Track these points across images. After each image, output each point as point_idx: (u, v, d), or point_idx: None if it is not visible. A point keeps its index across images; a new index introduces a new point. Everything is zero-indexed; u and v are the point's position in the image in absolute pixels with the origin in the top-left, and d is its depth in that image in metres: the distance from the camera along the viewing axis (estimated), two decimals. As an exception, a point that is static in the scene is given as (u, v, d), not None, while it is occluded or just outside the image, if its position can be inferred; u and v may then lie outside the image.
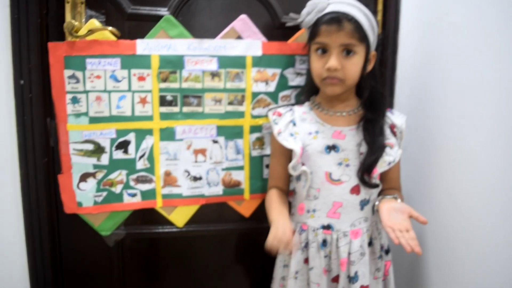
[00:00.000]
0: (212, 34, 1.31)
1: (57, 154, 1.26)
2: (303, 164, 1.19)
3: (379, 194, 1.26)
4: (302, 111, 1.26)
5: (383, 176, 1.27)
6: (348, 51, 1.13)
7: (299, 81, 1.38)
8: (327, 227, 1.20)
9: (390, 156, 1.18)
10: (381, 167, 1.17)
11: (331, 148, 1.19)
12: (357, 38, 1.11)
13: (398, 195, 1.21)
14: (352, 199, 1.19)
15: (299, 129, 1.22)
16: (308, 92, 1.30)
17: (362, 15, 1.13)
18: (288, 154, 1.24)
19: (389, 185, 1.29)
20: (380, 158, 1.16)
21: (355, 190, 1.19)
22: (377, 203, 1.19)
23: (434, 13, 1.30)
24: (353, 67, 1.14)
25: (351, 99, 1.25)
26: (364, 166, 1.17)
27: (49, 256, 1.31)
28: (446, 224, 1.21)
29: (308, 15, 1.16)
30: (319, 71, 1.16)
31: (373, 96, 1.22)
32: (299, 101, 1.33)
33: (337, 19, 1.11)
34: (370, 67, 1.20)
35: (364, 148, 1.18)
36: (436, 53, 1.29)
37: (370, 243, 1.23)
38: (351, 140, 1.20)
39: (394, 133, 1.22)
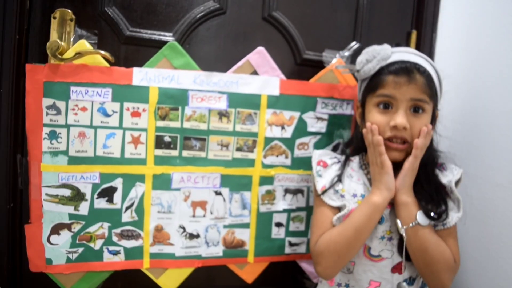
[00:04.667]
0: (223, 67, 1.18)
1: (26, 199, 1.11)
2: None
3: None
4: (350, 167, 1.11)
5: None
6: (416, 108, 0.99)
7: (320, 127, 1.25)
8: None
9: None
10: None
11: None
12: (429, 94, 0.99)
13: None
14: (393, 280, 1.03)
15: (345, 186, 1.08)
16: (357, 149, 1.14)
17: (431, 68, 1.02)
18: (336, 209, 1.08)
19: None
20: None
21: (397, 269, 1.03)
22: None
23: (475, 56, 1.20)
24: (423, 126, 1.00)
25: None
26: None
27: (7, 325, 1.12)
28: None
29: (368, 63, 1.03)
30: (382, 129, 1.01)
31: (429, 158, 1.06)
32: (346, 154, 1.17)
33: (409, 69, 0.99)
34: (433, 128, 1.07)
35: None
36: (479, 99, 1.18)
37: None
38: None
39: (446, 194, 1.04)
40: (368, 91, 1.05)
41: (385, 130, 1.00)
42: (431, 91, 0.99)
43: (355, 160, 1.13)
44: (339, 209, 1.05)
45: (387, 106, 1.01)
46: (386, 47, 1.03)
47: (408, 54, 1.03)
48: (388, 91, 1.00)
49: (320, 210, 1.08)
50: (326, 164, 1.10)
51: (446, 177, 1.05)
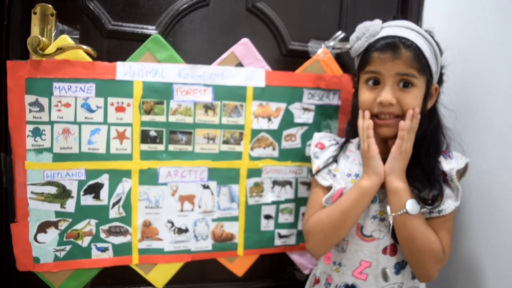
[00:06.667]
0: (208, 60, 1.16)
1: (11, 198, 1.07)
2: None
3: None
4: (348, 148, 1.12)
5: None
6: (405, 83, 0.98)
7: (307, 118, 1.24)
8: (351, 287, 1.06)
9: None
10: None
11: None
12: (417, 68, 0.97)
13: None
14: (384, 260, 1.02)
15: (339, 167, 1.09)
16: (355, 129, 1.11)
17: (422, 40, 0.99)
18: (328, 189, 1.09)
19: None
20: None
21: (388, 251, 1.02)
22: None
23: (460, 44, 1.19)
24: (412, 101, 0.98)
25: None
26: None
27: (-4, 324, 1.10)
28: None
29: (358, 40, 1.03)
30: (369, 105, 1.01)
31: (433, 138, 1.05)
32: (347, 136, 1.16)
33: (393, 44, 0.97)
34: (431, 103, 1.05)
35: None
36: (464, 89, 1.16)
37: None
38: None
39: (446, 182, 1.03)
40: (359, 68, 1.05)
41: (373, 106, 1.00)
42: (420, 64, 0.97)
43: (355, 141, 1.13)
44: (330, 189, 1.05)
45: (376, 82, 1.00)
46: (376, 23, 1.02)
47: (397, 28, 1.00)
48: (374, 67, 0.99)
49: (314, 191, 1.10)
50: (323, 146, 1.11)
51: (449, 165, 1.03)
